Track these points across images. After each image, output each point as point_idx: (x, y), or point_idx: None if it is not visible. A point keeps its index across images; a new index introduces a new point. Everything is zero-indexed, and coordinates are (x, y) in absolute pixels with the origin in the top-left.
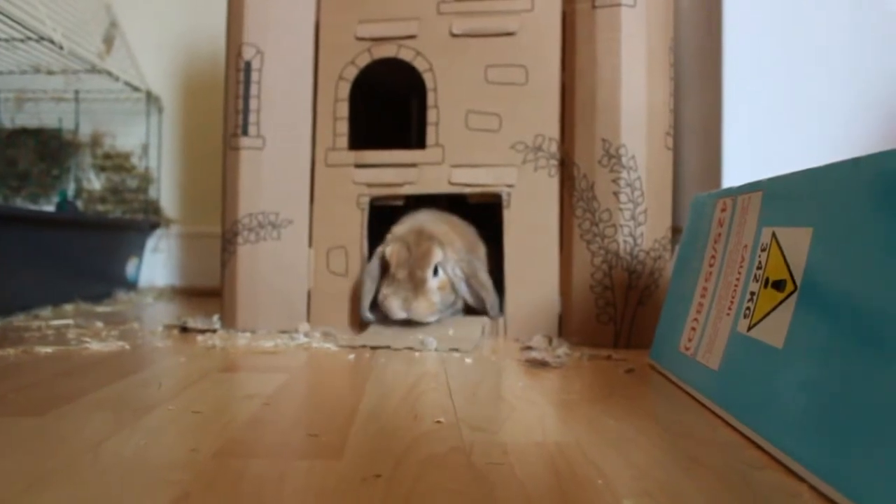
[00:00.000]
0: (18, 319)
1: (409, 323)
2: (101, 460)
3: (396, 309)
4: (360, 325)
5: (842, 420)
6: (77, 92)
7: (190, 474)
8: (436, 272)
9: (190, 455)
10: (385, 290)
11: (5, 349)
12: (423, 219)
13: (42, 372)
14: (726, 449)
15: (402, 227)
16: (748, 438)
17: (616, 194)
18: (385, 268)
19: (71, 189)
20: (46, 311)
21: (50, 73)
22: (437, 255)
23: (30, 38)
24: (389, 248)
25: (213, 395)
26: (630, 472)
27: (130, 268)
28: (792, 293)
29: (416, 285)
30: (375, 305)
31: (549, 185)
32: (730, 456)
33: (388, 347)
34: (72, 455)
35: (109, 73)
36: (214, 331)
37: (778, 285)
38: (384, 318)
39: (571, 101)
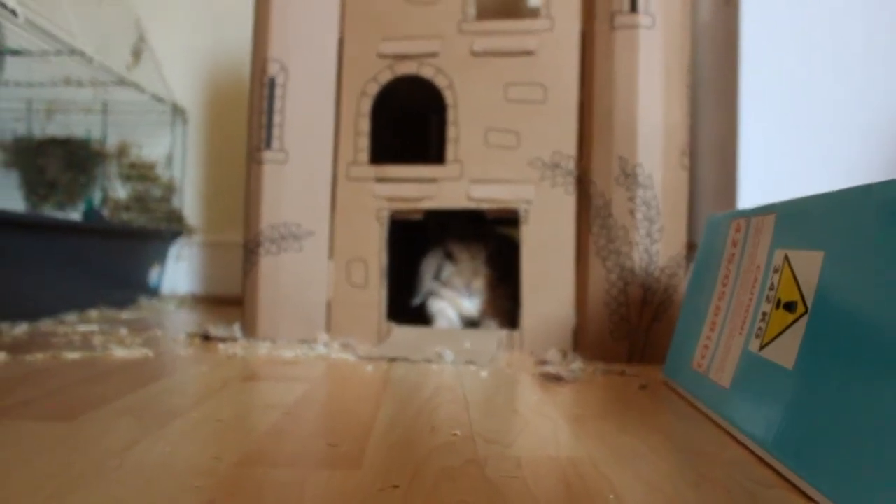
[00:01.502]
0: (45, 324)
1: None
2: (127, 466)
3: (461, 286)
4: (378, 335)
5: (852, 441)
6: (105, 103)
7: (213, 481)
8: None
9: (213, 462)
10: (448, 273)
11: (34, 354)
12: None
13: (69, 377)
14: (736, 466)
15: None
16: (758, 456)
17: (632, 212)
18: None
19: (97, 198)
20: (72, 317)
21: (80, 85)
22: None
23: (61, 52)
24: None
25: (234, 404)
26: (641, 487)
27: (153, 275)
28: (803, 315)
29: (476, 270)
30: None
31: (565, 202)
32: (739, 473)
33: (405, 359)
34: (98, 460)
35: (136, 86)
36: (235, 340)
37: (789, 307)
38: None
39: (589, 119)
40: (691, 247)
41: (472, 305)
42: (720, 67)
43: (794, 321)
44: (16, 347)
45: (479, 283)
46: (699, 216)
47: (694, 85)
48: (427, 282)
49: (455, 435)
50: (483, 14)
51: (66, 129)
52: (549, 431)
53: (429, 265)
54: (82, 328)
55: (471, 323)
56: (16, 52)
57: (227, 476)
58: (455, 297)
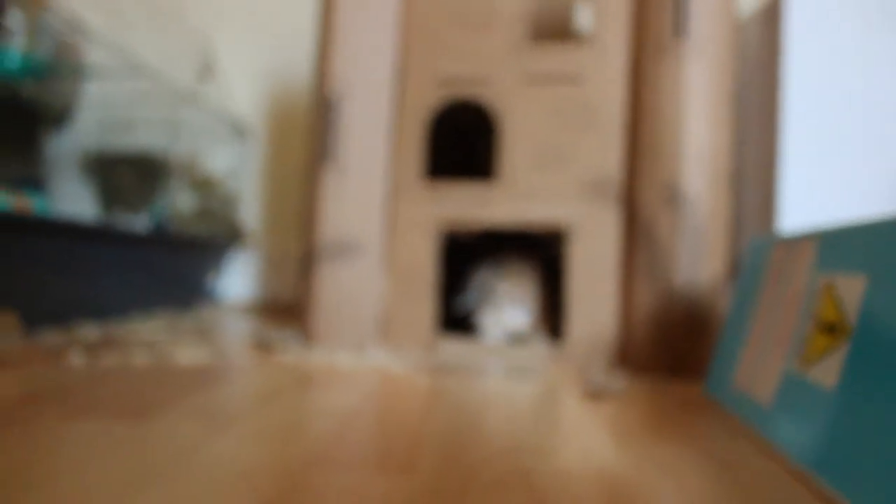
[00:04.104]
0: (114, 327)
1: (478, 345)
2: (194, 466)
3: (509, 301)
4: (429, 347)
5: (893, 464)
6: (174, 119)
7: (275, 482)
8: None
9: (273, 464)
10: (497, 287)
11: (106, 357)
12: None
13: (135, 379)
14: (774, 482)
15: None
16: (799, 475)
17: (676, 233)
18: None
19: (164, 209)
20: (137, 320)
21: (150, 101)
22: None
23: (135, 71)
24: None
25: (291, 409)
26: (683, 501)
27: (214, 282)
28: (845, 338)
29: (524, 286)
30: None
31: (611, 222)
32: (779, 491)
33: (455, 371)
34: (168, 460)
35: (204, 102)
36: (291, 347)
37: (831, 329)
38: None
39: (635, 142)
40: (735, 266)
41: (519, 320)
42: (764, 89)
43: (836, 344)
44: (90, 350)
45: (527, 299)
46: (742, 237)
47: (739, 107)
48: (477, 295)
49: (502, 446)
50: (536, 34)
51: (137, 144)
52: (594, 445)
53: (479, 279)
54: (147, 332)
55: (518, 337)
56: (94, 75)
57: (287, 477)
58: (504, 312)
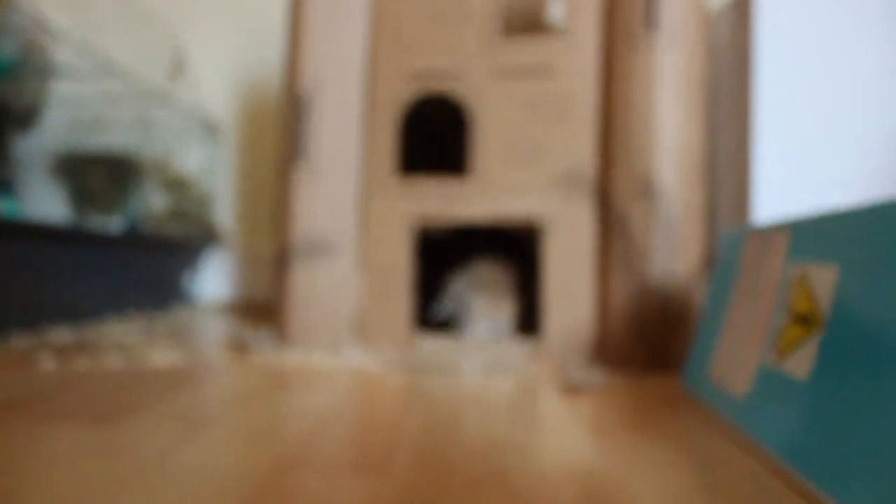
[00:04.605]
0: (87, 329)
1: (456, 343)
2: (167, 470)
3: (486, 297)
4: (406, 345)
5: (866, 452)
6: (145, 119)
7: (249, 486)
8: None
9: (248, 468)
10: (473, 283)
11: (78, 361)
12: None
13: (108, 382)
14: (752, 477)
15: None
16: (774, 467)
17: (650, 225)
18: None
19: (137, 209)
20: (111, 321)
21: (119, 101)
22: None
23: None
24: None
25: (266, 411)
26: (660, 497)
27: (187, 283)
28: (818, 328)
29: (500, 282)
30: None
31: (586, 216)
32: (755, 484)
33: (432, 369)
34: (140, 465)
35: (174, 101)
36: (266, 347)
37: (804, 320)
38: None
39: (608, 135)
40: (710, 258)
41: (497, 316)
42: (736, 81)
43: (809, 334)
44: (62, 354)
45: (504, 294)
46: (718, 228)
47: (711, 99)
48: (453, 307)
49: (480, 445)
50: (508, 26)
51: (107, 144)
52: (572, 442)
53: (455, 291)
54: (121, 334)
55: (495, 332)
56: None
57: (262, 481)
58: (481, 309)
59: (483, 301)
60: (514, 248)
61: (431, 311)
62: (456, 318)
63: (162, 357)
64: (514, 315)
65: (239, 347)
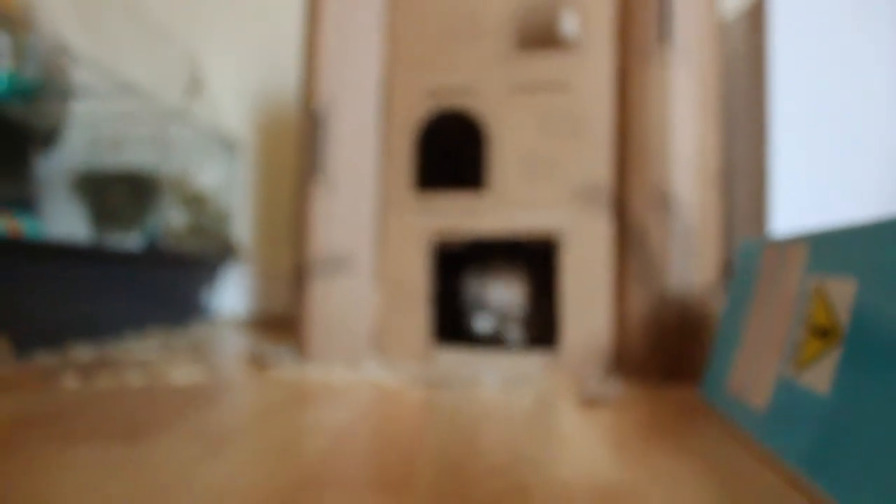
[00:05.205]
0: (108, 347)
1: (474, 356)
2: (191, 488)
3: (503, 310)
4: (424, 358)
5: (888, 468)
6: (163, 137)
7: (274, 503)
8: None
9: (271, 485)
10: (490, 297)
11: (100, 379)
12: None
13: (130, 400)
14: (771, 491)
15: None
16: (793, 481)
17: (667, 237)
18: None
19: (156, 226)
20: (131, 339)
21: (138, 119)
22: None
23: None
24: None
25: (286, 427)
26: None
27: (206, 298)
28: (837, 342)
29: (517, 294)
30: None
31: (603, 228)
32: (774, 498)
33: (450, 383)
34: (163, 482)
35: (192, 119)
36: (286, 362)
37: (823, 333)
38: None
39: (624, 148)
40: (727, 268)
41: (513, 329)
42: (751, 91)
43: (828, 348)
44: (84, 372)
45: (521, 307)
46: (735, 238)
47: (726, 108)
48: (471, 307)
49: (499, 458)
50: (521, 41)
51: (126, 162)
52: (591, 455)
53: (472, 289)
54: (141, 351)
55: (513, 344)
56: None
57: (285, 499)
58: (498, 321)
59: (493, 290)
60: (533, 264)
61: (472, 324)
62: (499, 333)
63: (182, 374)
64: (527, 303)
65: (258, 363)
